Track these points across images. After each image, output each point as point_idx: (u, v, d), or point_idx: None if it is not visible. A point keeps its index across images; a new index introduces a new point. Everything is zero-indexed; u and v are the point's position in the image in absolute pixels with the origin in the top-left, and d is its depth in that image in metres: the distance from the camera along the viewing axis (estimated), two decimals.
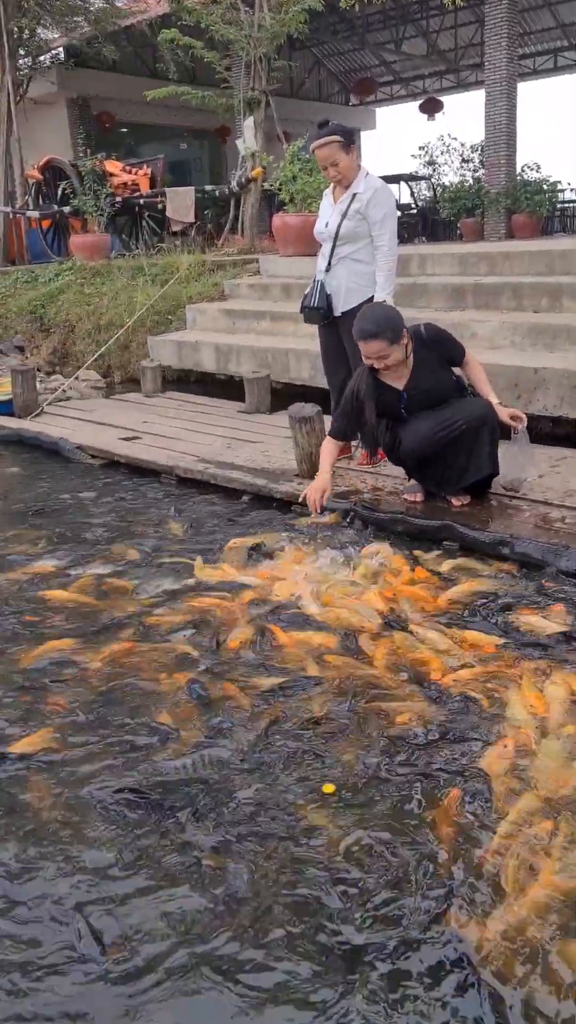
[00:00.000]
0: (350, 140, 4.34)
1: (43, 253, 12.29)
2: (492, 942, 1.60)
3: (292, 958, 1.60)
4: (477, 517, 3.71)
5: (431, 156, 16.70)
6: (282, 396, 6.19)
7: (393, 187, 15.37)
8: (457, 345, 3.92)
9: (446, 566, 3.37)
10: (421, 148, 16.81)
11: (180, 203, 10.82)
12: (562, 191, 13.76)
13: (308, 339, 6.36)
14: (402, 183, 17.52)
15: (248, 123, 10.50)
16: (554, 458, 4.45)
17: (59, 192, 11.50)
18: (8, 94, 13.05)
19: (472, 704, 2.40)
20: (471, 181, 14.00)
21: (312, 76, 21.98)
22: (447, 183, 16.00)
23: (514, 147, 12.46)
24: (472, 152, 15.60)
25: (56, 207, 11.56)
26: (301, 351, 6.44)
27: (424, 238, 15.41)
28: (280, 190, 9.02)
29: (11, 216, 12.91)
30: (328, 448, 4.03)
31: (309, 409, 4.30)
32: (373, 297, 4.33)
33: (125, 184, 11.45)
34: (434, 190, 17.19)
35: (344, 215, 4.37)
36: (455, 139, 15.97)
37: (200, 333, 7.97)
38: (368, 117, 23.77)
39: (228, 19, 10.32)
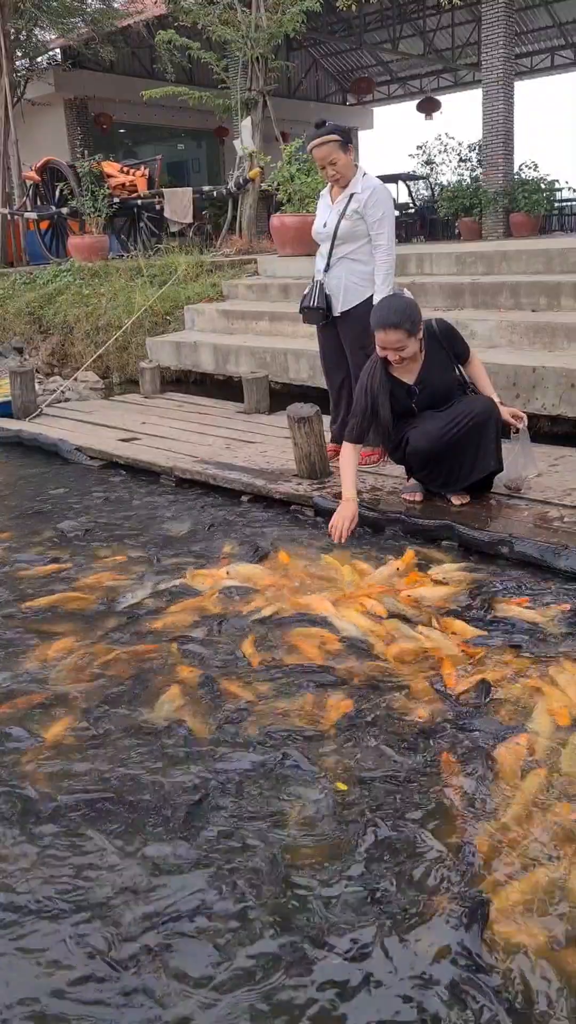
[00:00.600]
0: (347, 140, 4.35)
1: (41, 254, 12.29)
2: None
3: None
4: (476, 517, 3.71)
5: (429, 155, 16.73)
6: (281, 396, 6.19)
7: (391, 187, 15.40)
8: (464, 341, 3.95)
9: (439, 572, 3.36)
10: (419, 147, 16.85)
11: (178, 204, 10.82)
12: (559, 190, 13.74)
13: (307, 339, 6.37)
14: (400, 182, 17.53)
15: (245, 123, 10.51)
16: (553, 457, 4.45)
17: (57, 193, 11.50)
18: (5, 96, 13.06)
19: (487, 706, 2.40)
20: (469, 180, 14.01)
21: (309, 76, 21.99)
22: (445, 182, 16.01)
23: (511, 146, 12.46)
24: (470, 151, 15.62)
25: (54, 208, 11.56)
26: (300, 351, 6.44)
27: (422, 237, 15.42)
28: (278, 190, 9.02)
29: (9, 218, 12.91)
30: (349, 458, 3.85)
31: (308, 409, 4.30)
32: (372, 296, 4.34)
33: (123, 185, 11.45)
34: (432, 189, 17.20)
35: (342, 215, 4.37)
36: (452, 138, 16.01)
37: (199, 334, 7.98)
38: (366, 117, 23.78)
39: (225, 20, 10.32)
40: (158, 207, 11.00)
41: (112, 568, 3.55)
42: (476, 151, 14.68)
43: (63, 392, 7.55)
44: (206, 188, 11.69)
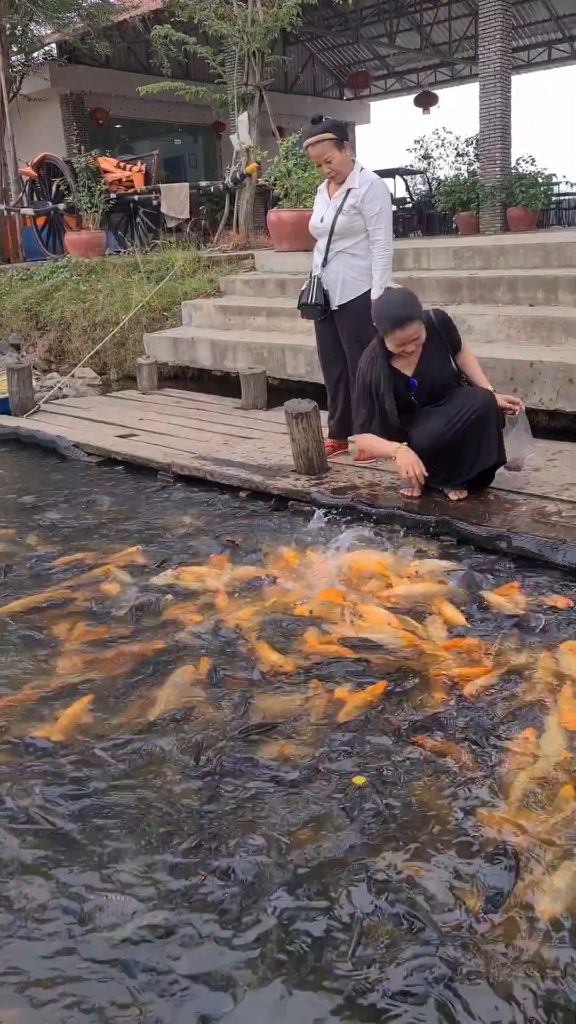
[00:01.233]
0: (343, 136, 4.33)
1: (38, 251, 12.26)
2: None
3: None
4: (474, 511, 3.71)
5: (426, 150, 16.68)
6: (278, 392, 6.19)
7: (388, 181, 15.40)
8: (457, 331, 3.98)
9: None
10: (416, 142, 16.81)
11: (175, 199, 10.79)
12: (557, 184, 13.70)
13: (304, 335, 6.36)
14: (397, 177, 17.49)
15: (242, 118, 10.48)
16: (550, 451, 4.45)
17: (54, 189, 11.47)
18: (1, 91, 13.04)
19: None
20: (466, 175, 13.97)
21: (306, 71, 21.92)
22: (442, 177, 15.97)
23: (509, 140, 12.41)
24: (467, 145, 15.57)
25: (51, 204, 11.53)
26: (297, 347, 6.44)
27: (420, 232, 15.39)
28: (275, 185, 9.00)
29: (6, 214, 12.88)
30: (372, 437, 3.93)
31: (305, 405, 4.29)
32: (370, 291, 4.34)
33: (120, 180, 11.42)
34: (429, 184, 17.16)
35: (339, 210, 4.36)
36: (450, 132, 15.96)
37: (196, 330, 7.97)
38: (363, 111, 23.72)
39: (221, 14, 10.29)
40: (155, 203, 10.97)
41: (109, 564, 3.55)
42: (473, 145, 14.63)
43: (60, 389, 7.55)
44: (203, 183, 11.66)
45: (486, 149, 12.43)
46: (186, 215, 10.88)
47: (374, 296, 4.30)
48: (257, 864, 1.82)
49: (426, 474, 3.78)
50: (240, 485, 4.47)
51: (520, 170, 12.35)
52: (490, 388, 3.89)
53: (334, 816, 1.96)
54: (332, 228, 4.40)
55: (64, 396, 7.50)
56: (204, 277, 8.84)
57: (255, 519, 4.07)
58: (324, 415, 4.75)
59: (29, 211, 12.07)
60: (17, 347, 9.59)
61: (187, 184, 11.28)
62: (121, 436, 5.60)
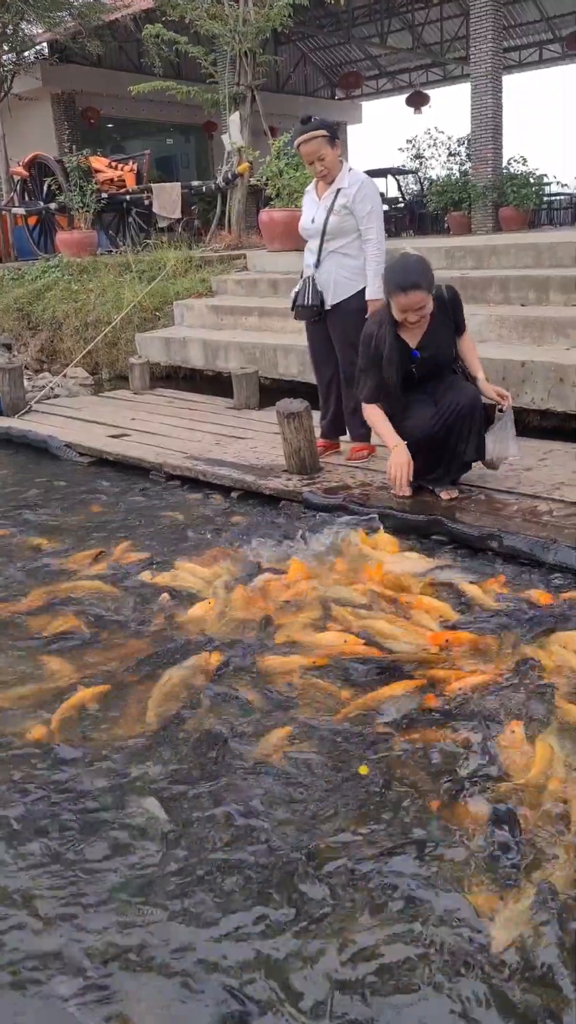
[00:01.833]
0: (334, 135, 4.34)
1: (29, 250, 12.23)
2: None
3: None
4: (466, 511, 3.72)
5: (418, 150, 16.72)
6: (270, 392, 6.18)
7: (380, 181, 15.40)
8: (464, 312, 3.96)
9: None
10: (408, 142, 16.84)
11: (167, 199, 10.78)
12: (548, 184, 13.73)
13: (296, 335, 6.35)
14: (389, 177, 17.51)
15: (234, 118, 10.47)
16: (541, 451, 4.46)
17: (45, 189, 11.44)
18: None
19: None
20: (458, 174, 14.00)
21: (298, 71, 21.92)
22: (434, 176, 16.00)
23: (500, 140, 12.44)
24: (459, 145, 15.62)
25: (42, 204, 11.51)
26: (289, 347, 6.44)
27: (411, 232, 15.41)
28: (267, 185, 9.00)
29: None
30: (378, 414, 3.88)
31: (297, 405, 4.29)
32: (363, 290, 4.35)
33: (111, 180, 11.41)
34: (421, 184, 17.20)
35: (330, 210, 4.36)
36: (442, 132, 16.00)
37: (188, 329, 7.96)
38: (354, 111, 23.73)
39: (213, 14, 10.28)
40: (147, 202, 10.96)
41: (99, 564, 3.54)
42: (465, 145, 14.67)
43: (52, 389, 7.53)
44: (195, 183, 11.65)
45: (478, 149, 12.45)
46: (178, 215, 10.88)
47: (369, 296, 4.32)
48: (265, 852, 1.84)
49: (411, 480, 3.80)
50: (232, 485, 4.46)
51: (512, 170, 12.38)
52: (483, 376, 3.91)
53: (336, 805, 1.99)
54: (324, 229, 4.40)
55: (56, 396, 7.49)
56: (196, 277, 8.83)
57: (247, 519, 4.07)
58: (316, 415, 4.75)
59: (20, 211, 12.05)
60: (8, 347, 9.57)
61: (179, 184, 11.27)
62: (113, 436, 5.59)
